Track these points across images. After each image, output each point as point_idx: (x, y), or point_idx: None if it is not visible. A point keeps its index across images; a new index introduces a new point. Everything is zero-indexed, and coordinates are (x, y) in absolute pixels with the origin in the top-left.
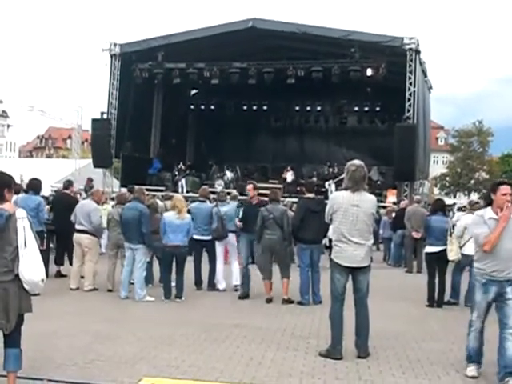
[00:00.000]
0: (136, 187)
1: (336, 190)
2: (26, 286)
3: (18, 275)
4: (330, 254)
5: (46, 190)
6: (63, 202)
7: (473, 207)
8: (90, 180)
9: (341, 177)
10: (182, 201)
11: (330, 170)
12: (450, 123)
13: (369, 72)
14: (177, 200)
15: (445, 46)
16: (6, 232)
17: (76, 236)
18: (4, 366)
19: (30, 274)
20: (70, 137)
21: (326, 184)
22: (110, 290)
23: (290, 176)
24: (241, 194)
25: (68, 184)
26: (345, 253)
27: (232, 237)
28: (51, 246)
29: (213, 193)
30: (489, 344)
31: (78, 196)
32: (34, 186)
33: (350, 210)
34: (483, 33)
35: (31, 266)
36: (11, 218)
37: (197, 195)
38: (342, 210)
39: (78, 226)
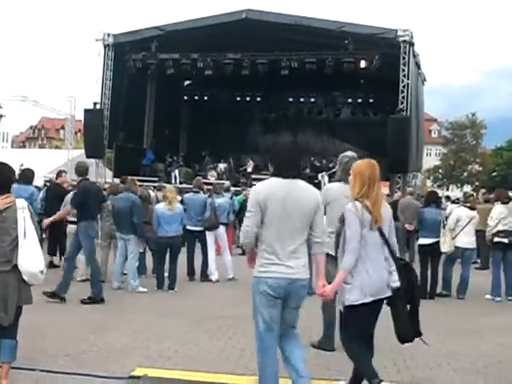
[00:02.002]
0: (128, 178)
1: (329, 181)
2: (24, 277)
3: (16, 266)
4: None
5: (39, 181)
6: (55, 193)
7: (467, 200)
8: None
9: (334, 169)
10: (173, 191)
11: (323, 161)
12: (443, 115)
13: (362, 64)
14: (167, 191)
15: (439, 39)
16: (4, 222)
17: (70, 227)
18: None
19: (29, 264)
20: (63, 127)
21: (319, 176)
22: (102, 281)
23: (250, 167)
24: (234, 186)
25: (58, 174)
26: None
27: (222, 229)
28: (43, 236)
29: (206, 184)
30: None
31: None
32: (27, 176)
33: (343, 201)
34: (477, 25)
35: (30, 256)
36: (8, 209)
37: (190, 186)
38: (335, 201)
39: (71, 218)
